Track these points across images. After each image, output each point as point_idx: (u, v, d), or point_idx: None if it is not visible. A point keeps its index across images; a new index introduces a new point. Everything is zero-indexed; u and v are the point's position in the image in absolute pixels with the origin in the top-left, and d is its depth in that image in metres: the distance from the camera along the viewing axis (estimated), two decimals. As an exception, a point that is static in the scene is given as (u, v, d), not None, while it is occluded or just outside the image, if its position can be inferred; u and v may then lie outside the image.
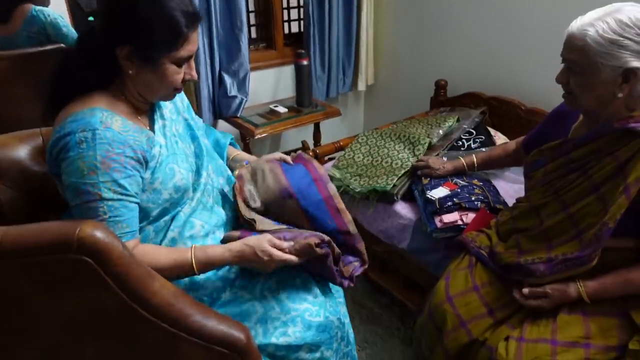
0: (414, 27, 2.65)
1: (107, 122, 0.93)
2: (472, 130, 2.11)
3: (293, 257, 1.05)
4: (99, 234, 0.73)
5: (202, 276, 1.06)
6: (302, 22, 2.77)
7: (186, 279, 1.05)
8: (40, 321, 0.76)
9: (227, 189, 1.28)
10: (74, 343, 0.79)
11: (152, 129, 1.07)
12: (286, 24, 2.75)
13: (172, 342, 0.85)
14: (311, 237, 1.09)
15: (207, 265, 1.02)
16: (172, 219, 1.07)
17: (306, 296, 1.14)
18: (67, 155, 0.91)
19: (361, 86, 2.94)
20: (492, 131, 2.17)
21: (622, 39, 0.99)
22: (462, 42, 2.44)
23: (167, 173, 1.04)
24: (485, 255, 1.32)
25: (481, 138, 2.08)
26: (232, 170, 1.34)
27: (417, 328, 1.39)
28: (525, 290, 1.16)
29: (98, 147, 0.90)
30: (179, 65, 0.99)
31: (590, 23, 1.02)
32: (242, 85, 2.31)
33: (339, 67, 2.79)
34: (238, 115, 2.32)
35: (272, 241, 1.05)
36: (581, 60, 1.04)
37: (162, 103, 1.13)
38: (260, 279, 1.13)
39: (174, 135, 1.12)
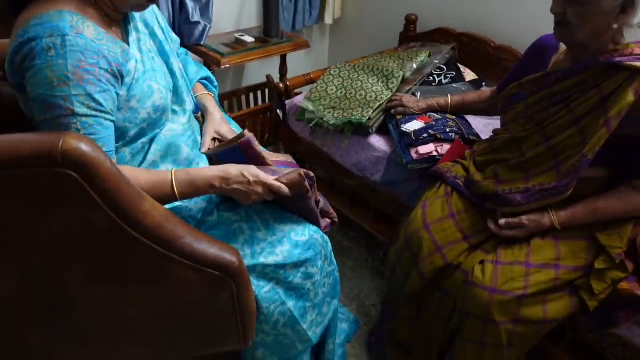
0: (386, -44, 2.54)
1: (78, 27, 0.82)
2: (443, 66, 2.10)
3: (283, 186, 1.02)
4: (84, 147, 0.67)
5: (186, 200, 1.02)
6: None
7: (170, 205, 1.01)
8: (23, 240, 0.70)
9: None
10: (59, 264, 0.74)
11: (126, 41, 0.97)
12: (250, -54, 2.55)
13: (163, 264, 0.82)
14: (298, 170, 1.06)
15: (189, 187, 0.96)
16: (151, 141, 1.00)
17: (290, 216, 1.13)
18: (32, 63, 0.80)
19: (328, 19, 2.82)
20: (462, 68, 2.17)
21: None
22: (434, -25, 2.37)
23: (145, 91, 0.96)
24: (461, 184, 1.36)
25: (452, 74, 2.08)
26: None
27: (392, 255, 1.43)
28: (502, 221, 1.21)
29: (69, 56, 0.80)
30: None
31: None
32: (205, 10, 2.14)
33: (305, -3, 2.66)
34: (201, 44, 2.17)
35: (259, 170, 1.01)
36: None
37: (135, 15, 1.02)
38: None
39: (149, 51, 1.02)
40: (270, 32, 2.30)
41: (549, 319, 1.15)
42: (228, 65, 2.04)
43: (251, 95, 2.56)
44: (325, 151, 1.90)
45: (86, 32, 0.83)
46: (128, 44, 0.97)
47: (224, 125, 1.22)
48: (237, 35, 2.27)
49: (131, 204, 0.74)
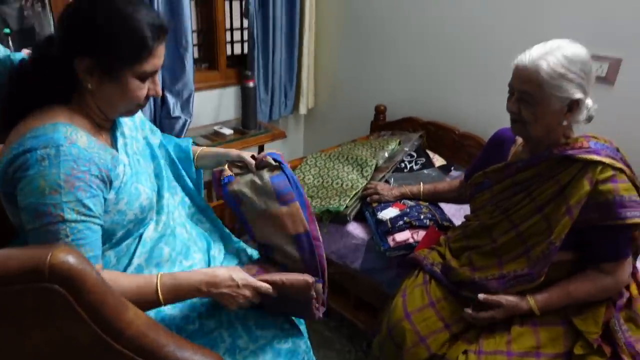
0: (354, 54, 2.76)
1: (72, 137, 0.86)
2: (413, 153, 2.23)
3: (268, 286, 1.01)
4: (72, 260, 0.68)
5: (168, 307, 1.01)
6: (245, 44, 2.78)
7: (152, 312, 0.99)
8: (2, 358, 0.68)
9: (182, 212, 1.24)
10: (38, 382, 0.72)
11: (114, 147, 1.02)
12: (229, 45, 2.74)
13: None
14: (306, 277, 1.05)
15: (175, 292, 0.95)
16: (138, 243, 1.01)
17: (273, 321, 1.12)
18: (25, 173, 0.83)
19: (302, 109, 2.99)
20: (431, 154, 2.30)
21: (568, 72, 1.10)
22: (399, 70, 2.59)
23: (133, 193, 0.99)
24: (439, 272, 1.39)
25: (422, 160, 2.20)
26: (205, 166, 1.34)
27: (375, 346, 1.42)
28: (481, 296, 1.22)
29: (62, 165, 0.83)
30: (143, 80, 0.94)
31: (541, 57, 1.11)
32: (186, 105, 2.25)
33: (281, 90, 2.83)
34: (182, 137, 2.25)
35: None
36: (535, 91, 1.13)
37: (121, 120, 1.08)
38: None
39: (135, 154, 1.07)
40: (248, 124, 2.41)
41: None
42: (207, 157, 2.10)
43: (229, 183, 2.61)
44: (304, 239, 1.92)
45: (79, 142, 0.87)
46: (117, 149, 1.01)
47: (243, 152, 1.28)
48: (215, 127, 2.37)
49: (115, 315, 0.73)
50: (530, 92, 1.14)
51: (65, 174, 0.83)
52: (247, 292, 0.99)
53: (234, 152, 1.27)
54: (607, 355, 1.15)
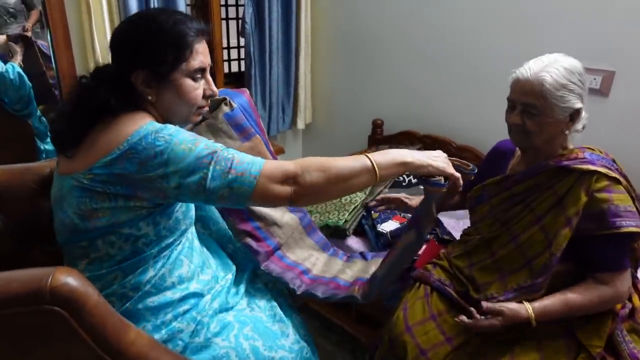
0: (350, 69, 2.80)
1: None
2: (411, 167, 2.23)
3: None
4: (73, 282, 0.68)
5: (176, 322, 1.01)
6: (242, 62, 2.81)
7: (162, 328, 1.00)
8: (2, 383, 0.68)
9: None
10: (38, 406, 0.72)
11: None
12: (226, 63, 2.77)
13: None
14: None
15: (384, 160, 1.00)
16: (168, 256, 1.03)
17: (283, 342, 1.12)
18: (157, 152, 0.85)
19: (300, 125, 3.01)
20: (429, 167, 2.31)
21: (570, 83, 1.13)
22: (395, 84, 2.61)
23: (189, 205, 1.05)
24: (444, 286, 1.38)
25: (420, 174, 2.21)
26: None
27: (377, 360, 1.41)
28: (485, 304, 1.19)
29: (181, 131, 0.89)
30: (195, 80, 0.98)
31: (543, 70, 1.14)
32: (184, 123, 2.27)
33: (279, 106, 2.85)
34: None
35: None
36: (540, 103, 1.15)
37: None
38: (234, 324, 1.08)
39: None
40: (246, 140, 2.43)
41: None
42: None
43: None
44: (304, 254, 1.93)
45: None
46: None
47: None
48: (214, 144, 2.38)
49: (116, 335, 0.74)
50: (534, 104, 1.15)
51: (189, 133, 0.90)
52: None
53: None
54: (610, 367, 1.15)
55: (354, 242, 1.77)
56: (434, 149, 1.15)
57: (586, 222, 1.15)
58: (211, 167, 0.86)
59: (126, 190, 0.88)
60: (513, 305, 1.19)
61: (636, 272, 1.26)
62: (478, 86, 2.26)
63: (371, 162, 0.97)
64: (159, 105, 0.97)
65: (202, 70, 0.98)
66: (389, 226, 1.67)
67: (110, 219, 0.90)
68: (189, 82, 0.96)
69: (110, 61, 0.98)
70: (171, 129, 0.89)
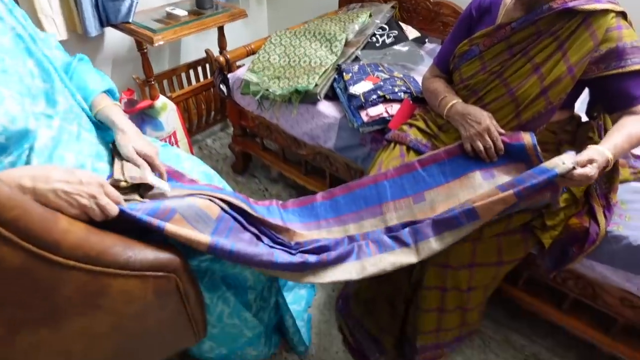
0: None
1: None
2: (385, 26, 2.08)
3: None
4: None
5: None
6: None
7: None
8: None
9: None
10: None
11: None
12: None
13: (99, 282, 0.75)
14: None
15: None
16: (28, 155, 0.85)
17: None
18: None
19: (263, -15, 2.72)
20: (404, 25, 2.16)
21: None
22: None
23: None
24: (425, 145, 1.35)
25: (394, 33, 2.07)
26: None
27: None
28: (572, 159, 1.02)
29: None
30: None
31: None
32: (130, -16, 1.99)
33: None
34: (130, 21, 2.03)
35: None
36: None
37: None
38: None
39: None
40: (203, 4, 2.19)
41: (505, 261, 1.20)
42: (162, 42, 1.92)
43: (191, 72, 2.44)
44: (274, 123, 1.86)
45: None
46: None
47: (138, 140, 1.04)
48: (167, 9, 2.14)
49: (44, 226, 0.66)
50: None
51: None
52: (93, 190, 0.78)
53: (129, 147, 1.01)
54: (580, 207, 1.19)
55: (325, 107, 1.69)
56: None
57: (595, 63, 1.12)
58: None
59: None
60: (591, 150, 1.05)
61: None
62: None
63: None
64: None
65: None
66: (362, 87, 1.58)
67: None
68: None
69: None
70: None
